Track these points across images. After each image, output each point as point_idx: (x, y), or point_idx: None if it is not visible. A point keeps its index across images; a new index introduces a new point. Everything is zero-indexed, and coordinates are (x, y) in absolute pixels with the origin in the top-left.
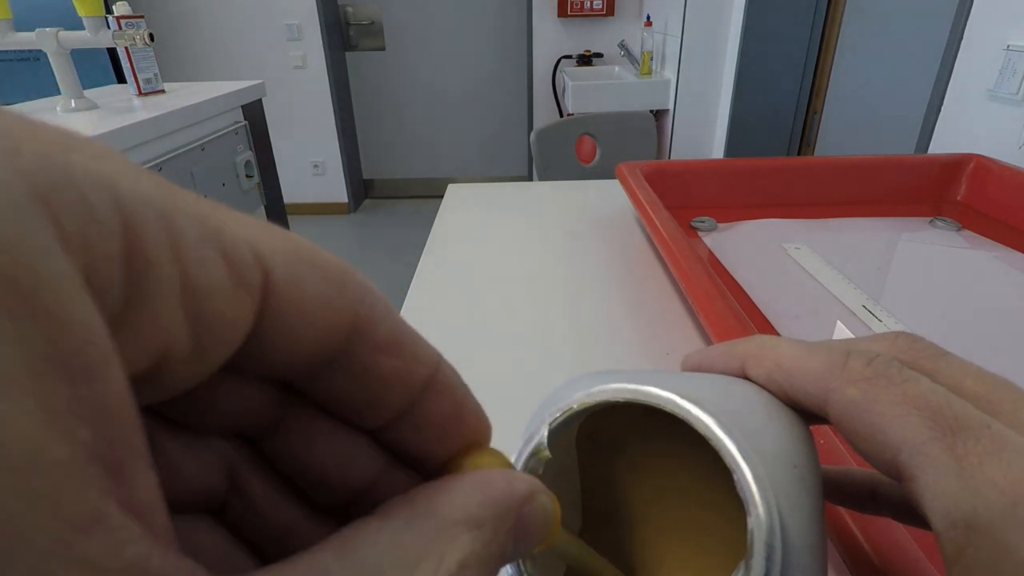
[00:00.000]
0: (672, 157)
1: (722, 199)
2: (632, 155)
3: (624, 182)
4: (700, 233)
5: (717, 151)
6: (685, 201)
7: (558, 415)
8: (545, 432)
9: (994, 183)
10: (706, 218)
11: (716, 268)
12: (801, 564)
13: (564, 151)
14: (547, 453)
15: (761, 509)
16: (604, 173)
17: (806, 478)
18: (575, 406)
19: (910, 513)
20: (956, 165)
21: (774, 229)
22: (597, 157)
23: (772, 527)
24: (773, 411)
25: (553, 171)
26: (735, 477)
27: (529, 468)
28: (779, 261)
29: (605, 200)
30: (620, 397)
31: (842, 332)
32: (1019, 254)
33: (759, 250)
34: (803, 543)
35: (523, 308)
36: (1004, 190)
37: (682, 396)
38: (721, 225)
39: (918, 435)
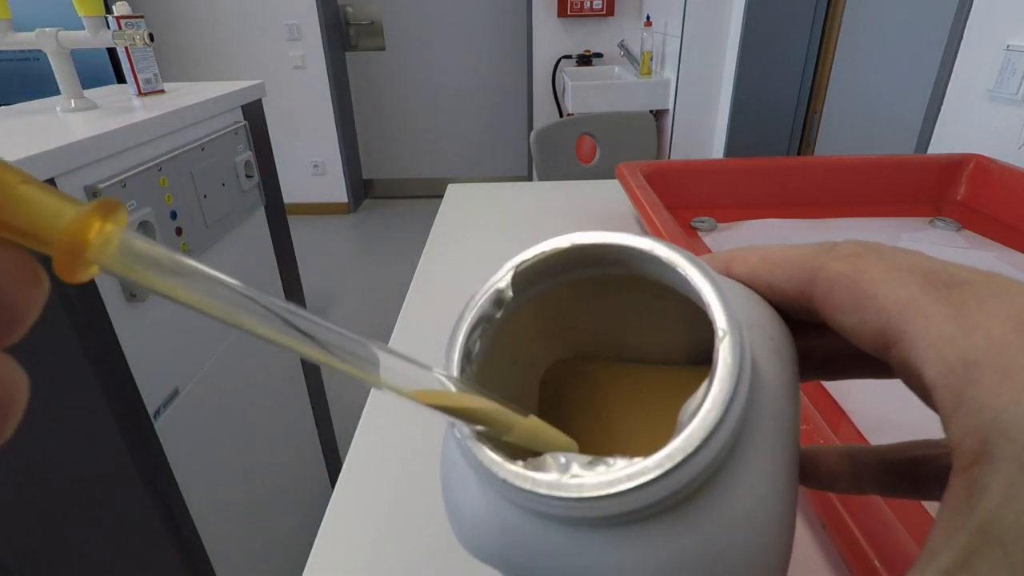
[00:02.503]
0: (672, 157)
1: (722, 199)
2: (632, 155)
3: (624, 182)
4: (700, 233)
5: (717, 151)
6: (685, 201)
7: (528, 257)
8: (511, 273)
9: (994, 183)
10: (706, 218)
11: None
12: (773, 422)
13: (564, 151)
14: (510, 293)
15: (725, 318)
16: (604, 173)
17: (781, 351)
18: (546, 250)
19: (892, 481)
20: (956, 165)
21: (774, 229)
22: (597, 157)
23: (740, 343)
24: (752, 296)
25: (553, 171)
26: (703, 297)
27: (486, 309)
28: None
29: (605, 200)
30: (595, 240)
31: None
32: (1019, 254)
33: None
34: (776, 404)
35: None
36: (1004, 190)
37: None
38: (721, 225)
39: (909, 292)
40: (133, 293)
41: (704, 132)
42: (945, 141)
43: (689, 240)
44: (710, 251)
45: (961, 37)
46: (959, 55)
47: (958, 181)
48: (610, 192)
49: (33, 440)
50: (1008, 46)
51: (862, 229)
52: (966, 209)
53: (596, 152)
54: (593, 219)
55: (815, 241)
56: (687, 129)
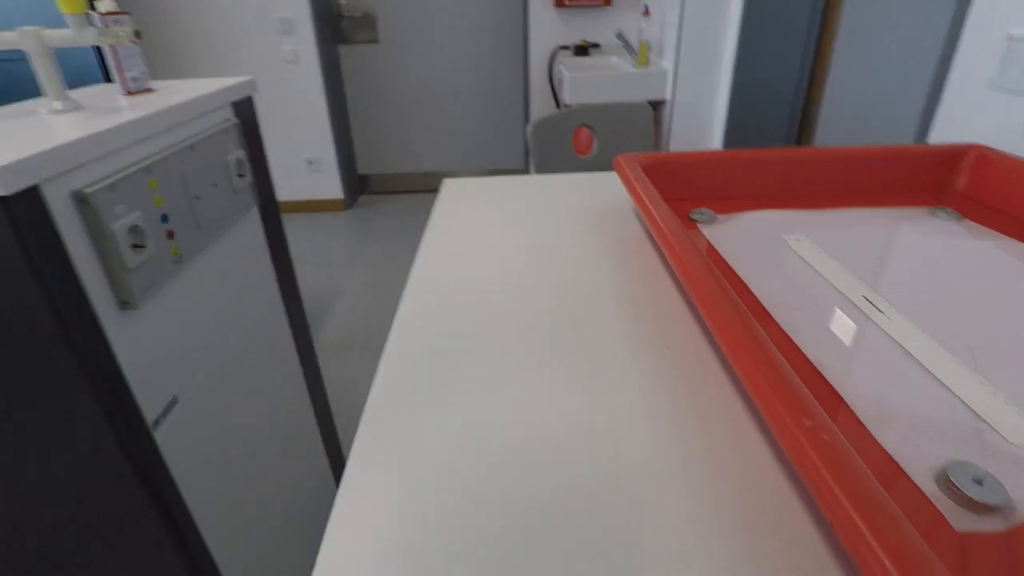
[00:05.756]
0: (671, 148)
1: (721, 191)
2: (630, 146)
3: (622, 174)
4: (699, 225)
5: (715, 142)
6: (684, 193)
7: None
8: None
9: (995, 173)
10: (705, 210)
11: (715, 260)
12: None
13: (561, 143)
14: None
15: None
16: (602, 165)
17: None
18: None
19: None
20: (957, 155)
21: (774, 220)
22: (595, 149)
23: None
24: None
25: (550, 163)
26: None
27: None
28: (779, 253)
29: (603, 193)
30: None
31: (842, 323)
32: (1020, 244)
33: (759, 242)
34: None
35: (521, 302)
36: (1005, 180)
37: None
38: (720, 217)
39: None
40: (126, 300)
41: (703, 122)
42: (946, 131)
43: (688, 232)
44: (709, 243)
45: (962, 27)
46: (960, 45)
47: (959, 171)
48: (608, 185)
49: (28, 457)
50: (1010, 35)
51: (862, 220)
52: (967, 199)
53: (593, 144)
54: (591, 213)
55: (813, 232)
56: (686, 119)
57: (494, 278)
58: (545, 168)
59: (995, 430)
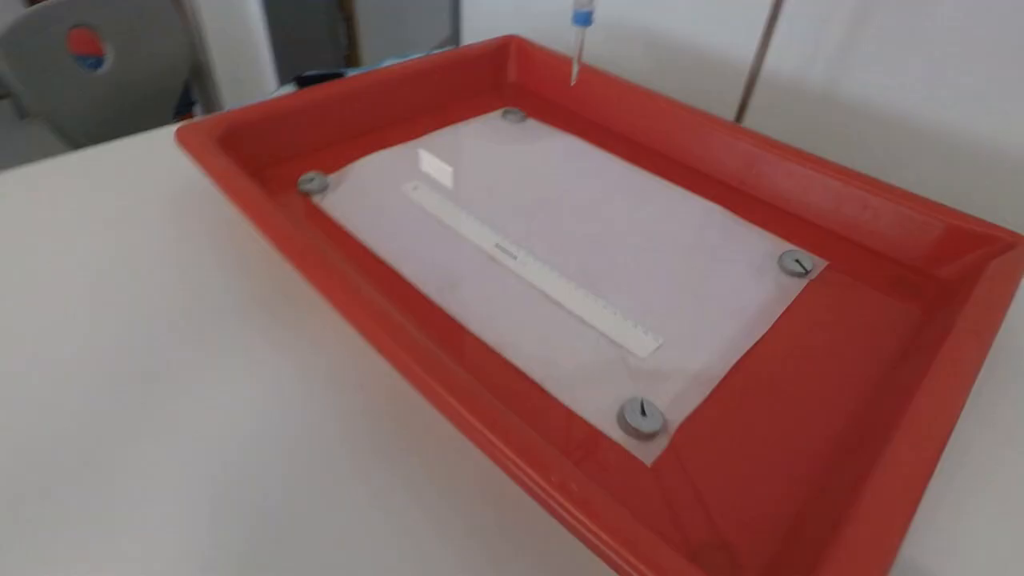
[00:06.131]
0: (207, 41)
1: (318, 141)
2: (153, 49)
3: (194, 155)
4: (313, 197)
5: (267, 68)
6: (280, 153)
7: None
8: None
9: (537, 67)
10: (313, 174)
11: (346, 242)
12: None
13: (54, 51)
14: None
15: None
16: (128, 79)
17: None
18: None
19: None
20: (500, 51)
21: (382, 169)
22: (110, 57)
23: None
24: None
25: (42, 85)
26: None
27: None
28: (405, 213)
29: (167, 168)
30: None
31: (489, 286)
32: (580, 141)
33: (380, 205)
34: None
35: (124, 328)
36: (546, 73)
37: None
38: (331, 178)
39: None
40: None
41: (244, 41)
42: (473, 20)
43: (307, 213)
44: (330, 219)
45: None
46: None
47: (509, 68)
48: (167, 153)
49: None
50: None
51: (455, 144)
52: (527, 94)
53: (107, 50)
54: (158, 200)
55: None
56: (219, 25)
57: (78, 315)
58: (39, 93)
59: (630, 352)
